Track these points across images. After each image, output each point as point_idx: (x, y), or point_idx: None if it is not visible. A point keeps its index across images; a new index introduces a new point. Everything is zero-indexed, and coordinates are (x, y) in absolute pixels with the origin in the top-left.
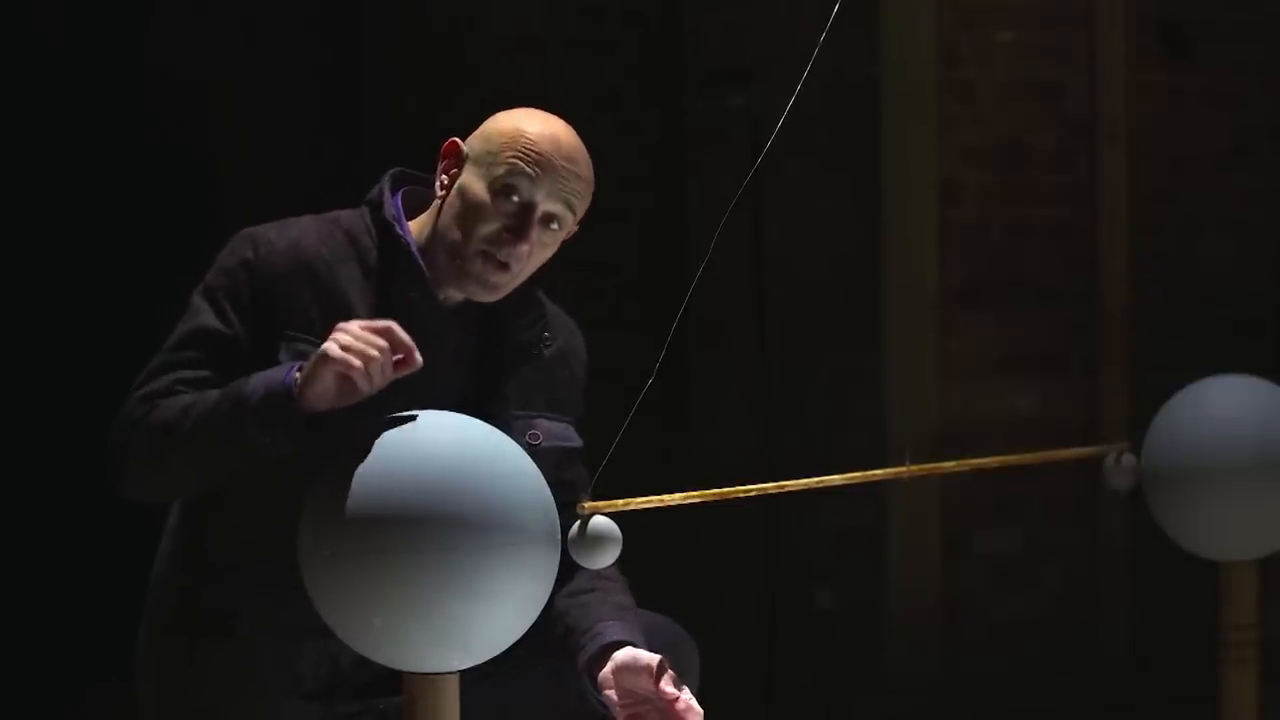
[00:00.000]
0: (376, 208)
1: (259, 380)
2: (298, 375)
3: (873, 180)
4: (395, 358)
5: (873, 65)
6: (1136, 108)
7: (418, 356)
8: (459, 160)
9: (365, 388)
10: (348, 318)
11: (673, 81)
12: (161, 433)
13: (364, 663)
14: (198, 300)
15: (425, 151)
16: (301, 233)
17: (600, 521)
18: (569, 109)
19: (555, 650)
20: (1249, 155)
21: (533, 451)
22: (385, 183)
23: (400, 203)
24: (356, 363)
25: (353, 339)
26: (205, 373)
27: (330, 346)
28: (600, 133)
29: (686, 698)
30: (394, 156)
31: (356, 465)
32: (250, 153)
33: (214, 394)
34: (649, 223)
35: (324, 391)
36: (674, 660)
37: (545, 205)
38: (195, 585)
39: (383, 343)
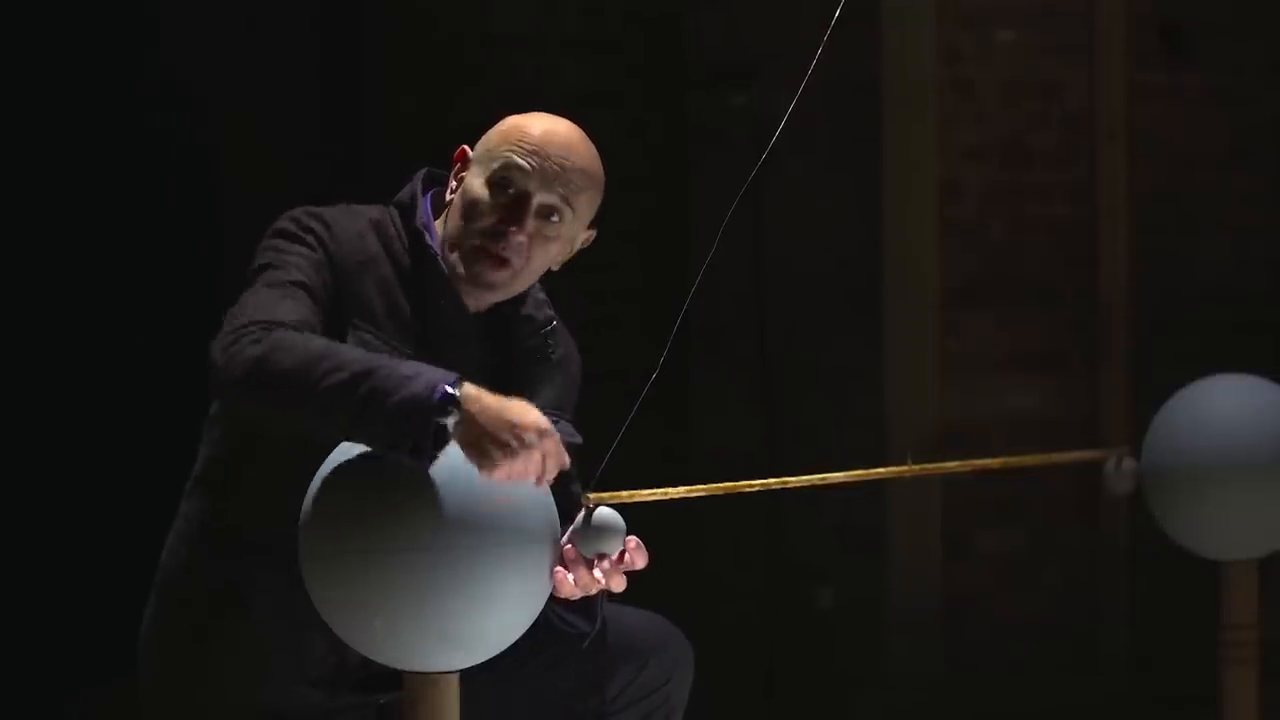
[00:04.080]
0: (406, 210)
1: (410, 389)
2: (454, 394)
3: (873, 180)
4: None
5: (873, 65)
6: (1136, 107)
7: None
8: (465, 165)
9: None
10: (394, 315)
11: (674, 81)
12: (292, 366)
13: None
14: (276, 254)
15: (425, 151)
16: (361, 227)
17: (605, 512)
18: (569, 109)
19: (553, 643)
20: (1249, 155)
21: None
22: (417, 185)
23: (430, 206)
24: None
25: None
26: (312, 315)
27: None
28: (601, 132)
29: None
30: (394, 156)
31: (357, 465)
32: (250, 152)
33: (356, 362)
34: (649, 223)
35: (469, 448)
36: (667, 659)
37: (540, 196)
38: (210, 566)
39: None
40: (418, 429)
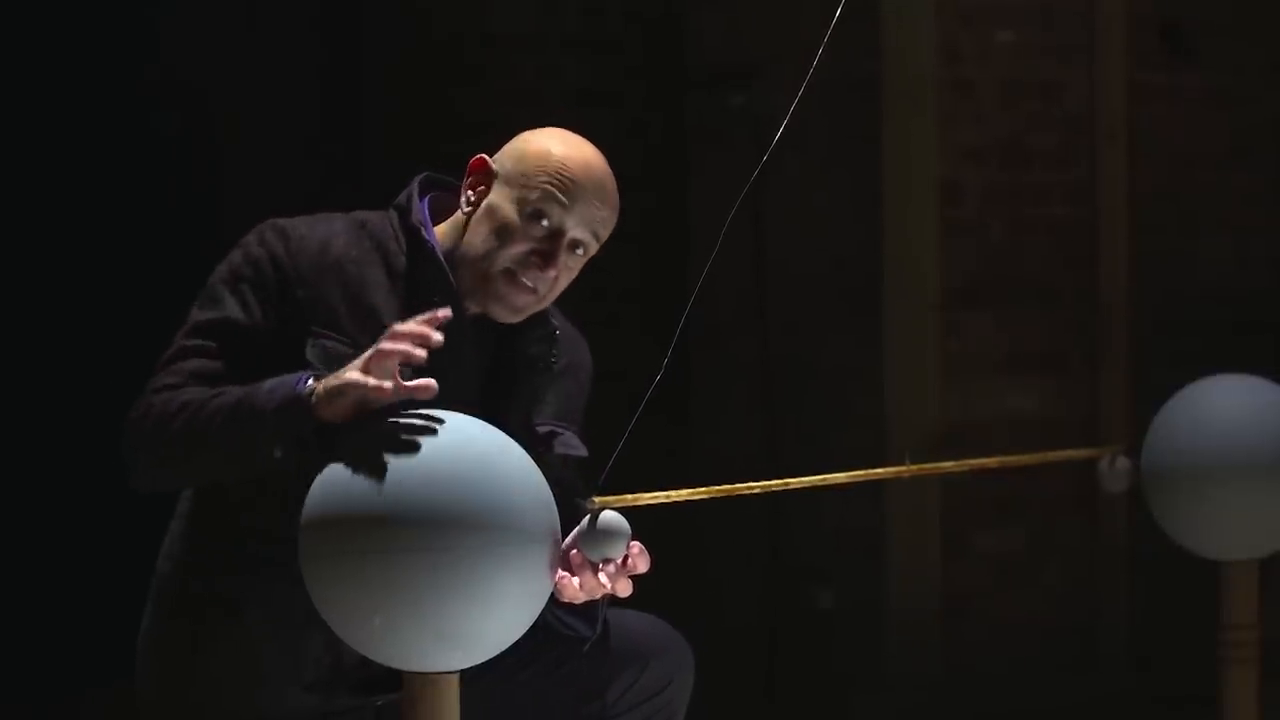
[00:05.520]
0: (404, 212)
1: (274, 389)
2: (312, 385)
3: (873, 180)
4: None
5: (872, 64)
6: (1136, 107)
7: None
8: (487, 178)
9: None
10: (373, 319)
11: (674, 81)
12: (175, 430)
13: (366, 658)
14: (220, 288)
15: (425, 152)
16: (333, 231)
17: (609, 515)
18: (569, 109)
19: (555, 646)
20: (1249, 155)
21: (543, 457)
22: (414, 188)
23: (428, 208)
24: (387, 385)
25: (382, 363)
26: (221, 364)
27: (357, 376)
28: (601, 132)
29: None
30: (393, 157)
31: (357, 465)
32: (250, 153)
33: (230, 397)
34: (649, 223)
35: (341, 410)
36: (668, 662)
37: (574, 233)
38: (205, 571)
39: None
40: (295, 415)
